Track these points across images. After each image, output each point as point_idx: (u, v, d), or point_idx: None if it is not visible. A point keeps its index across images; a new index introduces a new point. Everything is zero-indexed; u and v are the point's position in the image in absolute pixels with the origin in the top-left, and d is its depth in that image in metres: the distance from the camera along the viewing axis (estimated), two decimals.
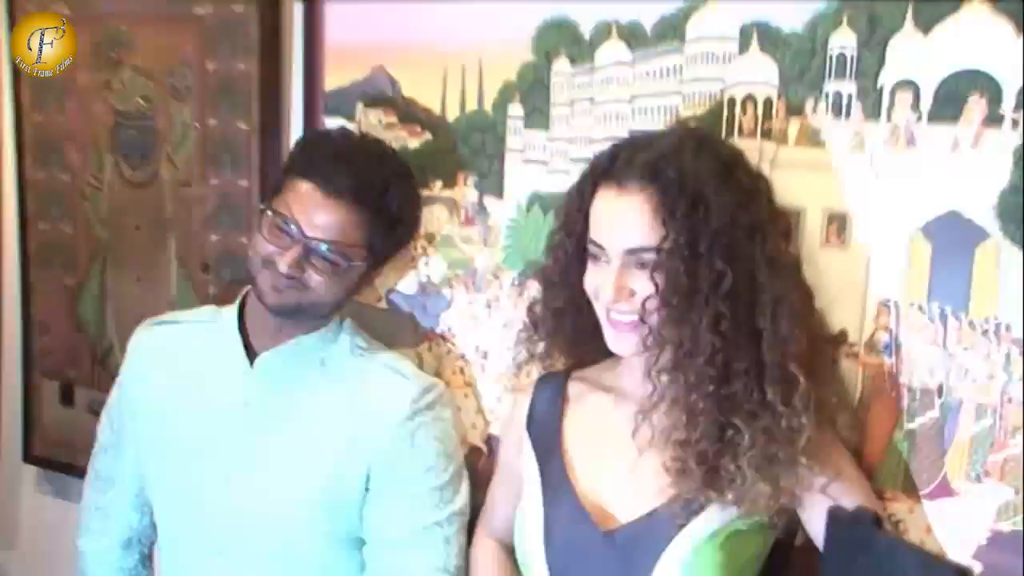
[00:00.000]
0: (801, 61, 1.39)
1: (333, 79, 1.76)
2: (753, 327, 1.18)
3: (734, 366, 1.18)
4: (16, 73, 2.09)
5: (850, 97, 1.36)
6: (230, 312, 1.54)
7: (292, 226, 1.38)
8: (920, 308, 1.35)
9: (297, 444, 1.46)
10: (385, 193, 1.42)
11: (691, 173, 1.18)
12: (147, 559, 1.71)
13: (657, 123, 1.49)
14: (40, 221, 2.13)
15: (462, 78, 1.64)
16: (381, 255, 1.48)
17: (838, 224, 1.39)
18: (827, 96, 1.38)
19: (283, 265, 1.38)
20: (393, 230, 1.46)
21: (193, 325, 1.58)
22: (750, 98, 1.43)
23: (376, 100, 1.73)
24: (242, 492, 1.46)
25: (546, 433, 1.38)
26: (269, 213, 1.41)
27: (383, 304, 1.76)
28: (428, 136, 1.69)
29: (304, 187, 1.39)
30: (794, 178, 1.40)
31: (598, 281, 1.24)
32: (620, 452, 1.30)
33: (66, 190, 2.09)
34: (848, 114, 1.37)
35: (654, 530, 1.23)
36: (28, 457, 2.25)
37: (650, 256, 1.20)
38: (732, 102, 1.44)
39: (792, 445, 1.19)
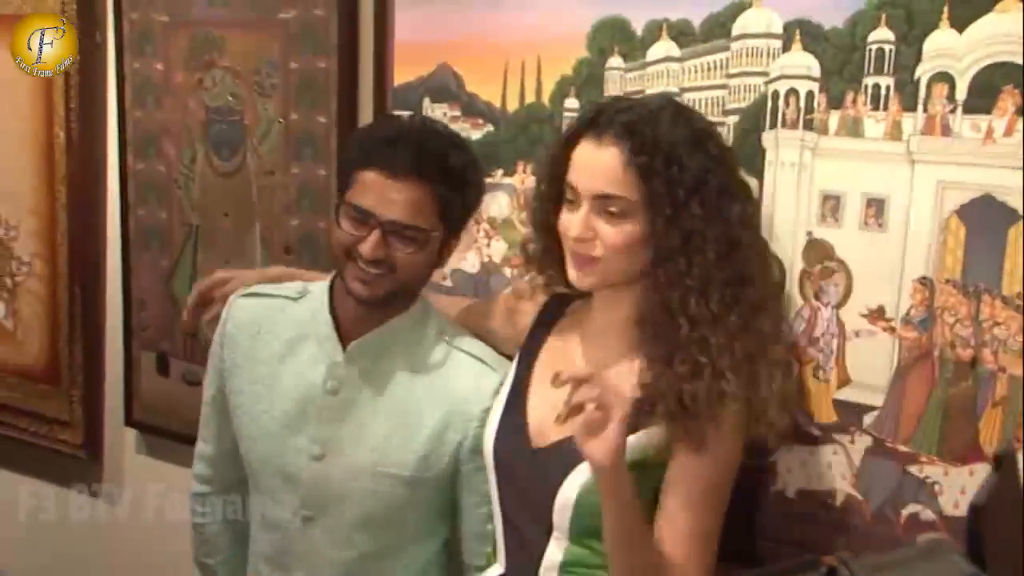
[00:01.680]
0: (841, 56, 1.39)
1: (401, 75, 1.78)
2: (732, 274, 1.23)
3: (714, 305, 1.23)
4: (120, 74, 2.14)
5: (888, 89, 1.36)
6: (319, 292, 1.53)
7: (369, 214, 1.38)
8: (954, 285, 1.35)
9: (389, 426, 1.47)
10: (445, 163, 1.40)
11: (665, 135, 1.23)
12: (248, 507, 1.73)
13: (704, 113, 1.48)
14: (139, 207, 2.18)
15: (521, 73, 1.65)
16: (456, 222, 1.46)
17: (876, 208, 1.39)
18: (866, 89, 1.38)
19: (367, 249, 1.38)
20: (461, 195, 1.44)
21: (284, 301, 1.57)
22: (793, 91, 1.43)
23: (441, 95, 1.74)
24: (336, 468, 1.48)
25: (531, 346, 1.43)
26: (344, 207, 1.42)
27: (448, 282, 1.78)
28: (490, 128, 1.71)
29: (370, 176, 1.38)
30: (835, 165, 1.41)
31: (568, 221, 1.29)
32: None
33: (162, 179, 2.13)
34: (886, 106, 1.37)
35: (567, 453, 1.26)
36: (129, 421, 2.31)
37: (617, 205, 1.24)
38: (776, 95, 1.44)
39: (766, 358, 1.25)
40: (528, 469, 1.34)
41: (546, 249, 1.39)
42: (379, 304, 1.44)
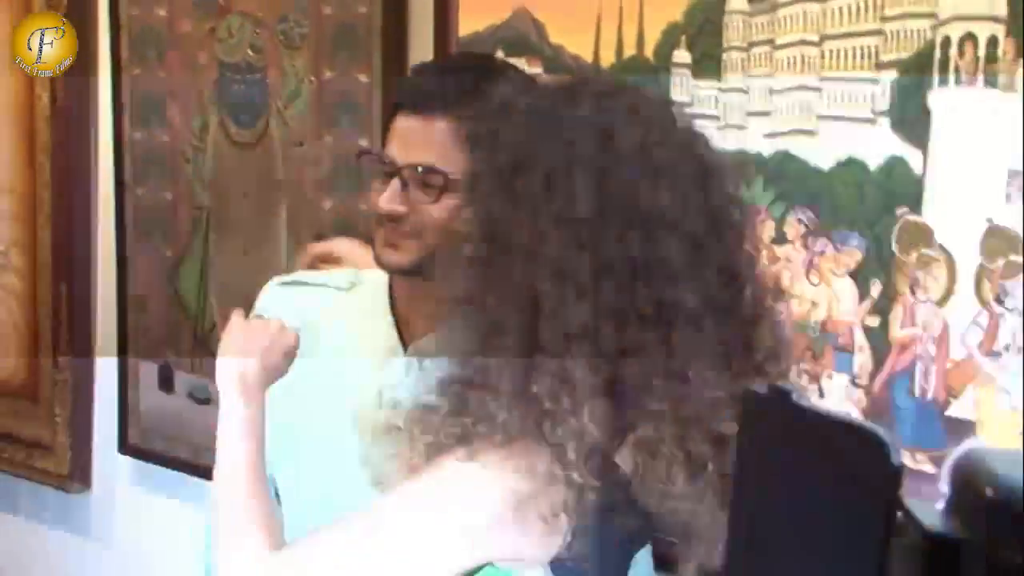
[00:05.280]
0: None
1: (468, 23, 1.76)
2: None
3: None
4: (115, 23, 2.14)
5: None
6: (375, 280, 1.50)
7: (389, 162, 1.36)
8: None
9: None
10: (477, 89, 1.33)
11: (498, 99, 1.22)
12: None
13: (852, 68, 1.46)
14: (138, 186, 2.19)
15: (619, 19, 1.63)
16: None
17: None
18: None
19: (382, 202, 1.36)
20: None
21: (330, 291, 1.55)
22: (970, 36, 1.39)
23: (518, 47, 1.72)
24: None
25: None
26: (370, 160, 1.43)
27: None
28: None
29: (397, 121, 1.38)
30: None
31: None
32: None
33: (166, 152, 2.14)
34: None
35: None
36: (124, 447, 2.31)
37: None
38: (947, 42, 1.40)
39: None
40: None
41: None
42: (412, 274, 1.40)
